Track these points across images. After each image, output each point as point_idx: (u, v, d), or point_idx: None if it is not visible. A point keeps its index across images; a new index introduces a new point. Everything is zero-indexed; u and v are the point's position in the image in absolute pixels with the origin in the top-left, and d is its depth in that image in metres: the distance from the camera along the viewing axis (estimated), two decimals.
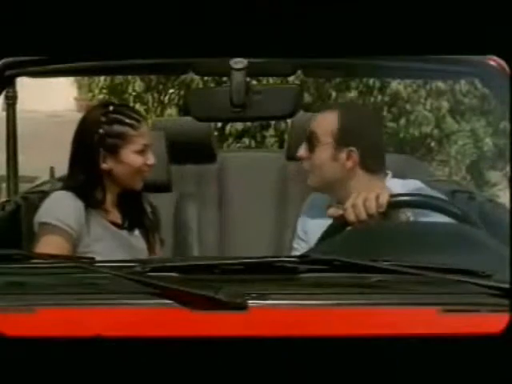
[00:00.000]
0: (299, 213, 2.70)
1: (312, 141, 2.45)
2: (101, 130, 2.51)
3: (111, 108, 2.58)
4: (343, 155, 2.41)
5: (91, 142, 2.51)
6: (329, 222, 2.18)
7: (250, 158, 3.50)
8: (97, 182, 2.52)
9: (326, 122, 2.45)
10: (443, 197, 2.27)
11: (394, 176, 2.50)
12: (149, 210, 2.71)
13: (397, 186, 2.36)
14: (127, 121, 2.54)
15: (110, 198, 2.56)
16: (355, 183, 2.40)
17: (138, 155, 2.53)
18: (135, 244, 2.59)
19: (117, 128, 2.52)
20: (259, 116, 2.31)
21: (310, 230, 2.52)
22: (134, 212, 2.62)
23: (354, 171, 2.42)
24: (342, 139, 2.41)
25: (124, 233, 2.58)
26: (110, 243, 2.50)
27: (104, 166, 2.51)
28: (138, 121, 2.55)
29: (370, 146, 2.44)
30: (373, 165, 2.44)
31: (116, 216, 2.59)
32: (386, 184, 2.41)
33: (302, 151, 2.48)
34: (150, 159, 2.56)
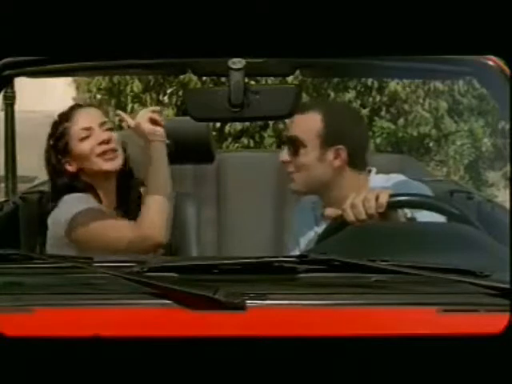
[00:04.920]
0: (293, 214, 2.70)
1: (295, 144, 2.40)
2: (50, 141, 2.59)
3: (56, 117, 2.63)
4: (330, 155, 2.38)
5: (49, 155, 2.60)
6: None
7: (248, 158, 3.50)
8: (79, 185, 2.55)
9: (309, 124, 2.40)
10: (429, 192, 2.27)
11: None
12: None
13: (381, 181, 2.36)
14: (63, 117, 2.59)
15: (105, 199, 2.56)
16: (342, 182, 2.39)
17: (82, 142, 2.55)
18: None
19: (59, 128, 2.58)
20: (258, 116, 2.31)
21: (300, 232, 2.53)
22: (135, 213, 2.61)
23: (341, 170, 2.39)
24: (329, 138, 2.38)
25: None
26: None
27: (70, 168, 2.55)
28: (71, 109, 2.62)
29: (357, 143, 2.43)
30: (360, 163, 2.43)
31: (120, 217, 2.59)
32: (370, 180, 2.41)
33: (285, 156, 2.43)
34: (100, 136, 2.54)
